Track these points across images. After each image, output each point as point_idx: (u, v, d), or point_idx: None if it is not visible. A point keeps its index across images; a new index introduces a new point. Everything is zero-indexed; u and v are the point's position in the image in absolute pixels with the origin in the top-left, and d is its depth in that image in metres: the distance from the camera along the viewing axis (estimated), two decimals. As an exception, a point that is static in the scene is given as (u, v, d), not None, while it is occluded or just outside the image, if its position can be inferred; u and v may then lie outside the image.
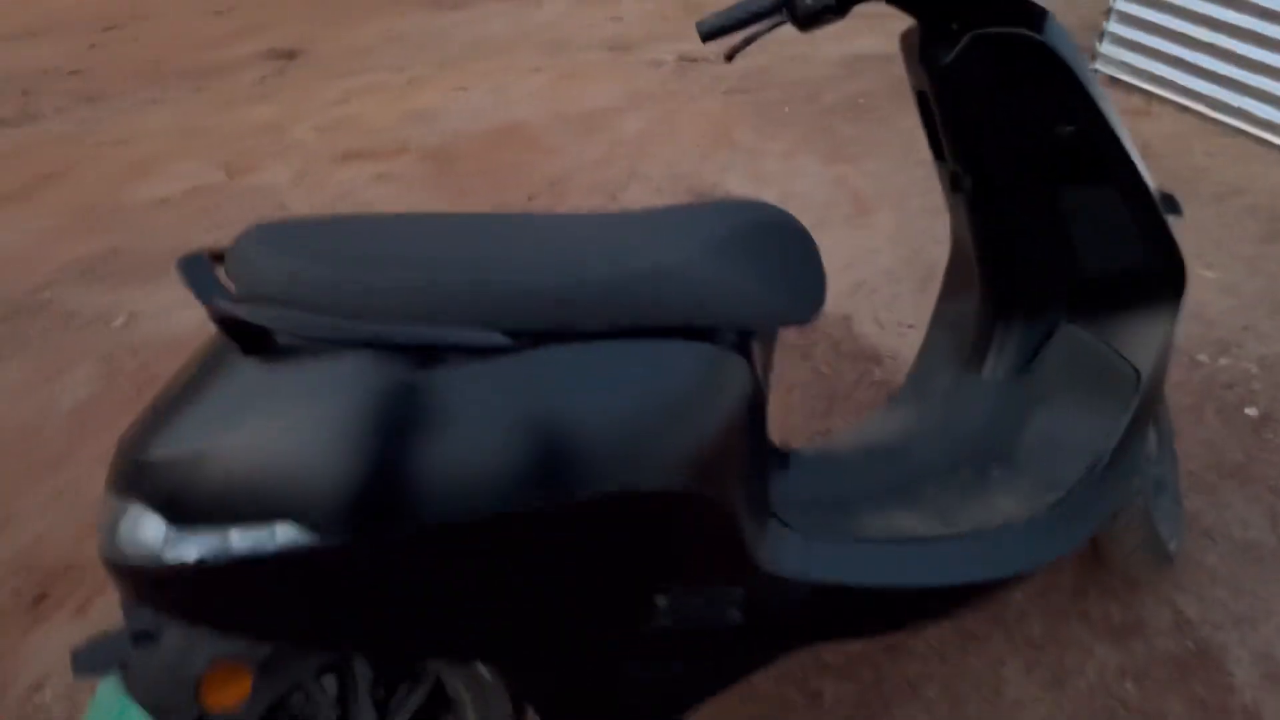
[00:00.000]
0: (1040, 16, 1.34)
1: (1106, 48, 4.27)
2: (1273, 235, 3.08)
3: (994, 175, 1.47)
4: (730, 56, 1.54)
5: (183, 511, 0.96)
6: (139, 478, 0.98)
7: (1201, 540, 1.96)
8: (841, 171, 3.57)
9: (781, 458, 1.47)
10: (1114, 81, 4.26)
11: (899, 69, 1.54)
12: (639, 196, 3.39)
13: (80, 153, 3.76)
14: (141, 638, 1.05)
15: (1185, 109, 4.02)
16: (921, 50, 1.42)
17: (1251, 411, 2.30)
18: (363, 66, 4.86)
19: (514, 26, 5.42)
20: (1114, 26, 4.21)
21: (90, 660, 1.05)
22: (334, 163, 3.70)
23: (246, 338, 0.96)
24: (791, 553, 1.26)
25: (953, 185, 1.54)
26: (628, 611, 1.15)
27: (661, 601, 1.15)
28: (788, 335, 2.60)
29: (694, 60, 4.76)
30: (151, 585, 1.00)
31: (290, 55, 5.09)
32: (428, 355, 0.97)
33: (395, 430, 0.96)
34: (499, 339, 0.98)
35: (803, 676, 1.69)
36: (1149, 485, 1.70)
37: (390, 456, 0.95)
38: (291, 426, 0.95)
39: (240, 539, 0.96)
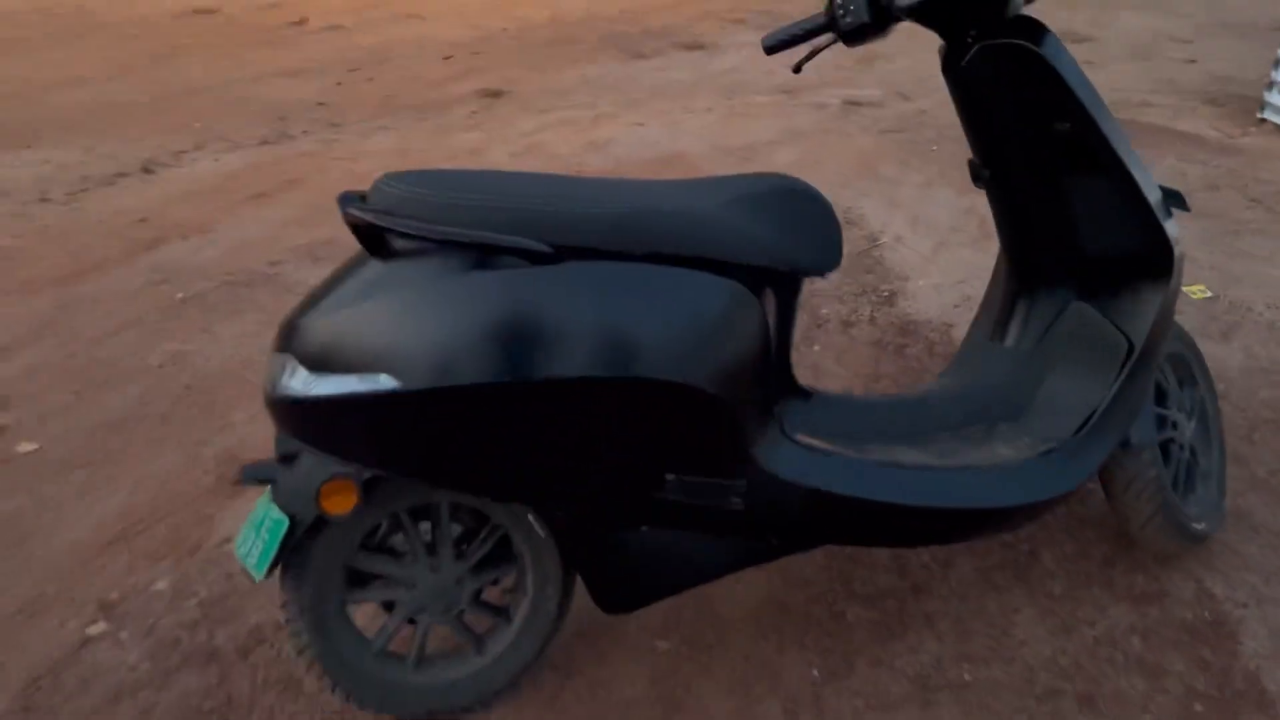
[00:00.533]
0: (1040, 31, 1.59)
1: (1275, 98, 4.21)
2: None
3: (1006, 166, 1.71)
4: (798, 69, 1.85)
5: (318, 362, 1.33)
6: (291, 338, 1.37)
7: (1245, 532, 2.04)
8: (973, 202, 3.75)
9: (805, 394, 1.71)
10: (1281, 130, 4.20)
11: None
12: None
13: (318, 165, 4.50)
14: (285, 458, 1.43)
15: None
16: (944, 61, 1.69)
17: (1337, 431, 2.34)
18: (558, 105, 5.45)
19: (697, 73, 5.89)
20: (1282, 76, 4.16)
21: (253, 473, 1.45)
22: (518, 180, 4.25)
23: (369, 241, 1.36)
24: (790, 459, 1.49)
25: (974, 177, 1.79)
26: (642, 479, 1.42)
27: (670, 476, 1.42)
28: (887, 336, 2.84)
29: (857, 104, 5.04)
30: (294, 418, 1.38)
31: (498, 94, 5.77)
32: (490, 258, 1.31)
33: (460, 310, 1.29)
34: (541, 247, 1.30)
35: (831, 600, 1.92)
36: (1160, 462, 1.80)
37: (456, 328, 1.29)
38: (392, 304, 1.31)
39: (356, 383, 1.31)
